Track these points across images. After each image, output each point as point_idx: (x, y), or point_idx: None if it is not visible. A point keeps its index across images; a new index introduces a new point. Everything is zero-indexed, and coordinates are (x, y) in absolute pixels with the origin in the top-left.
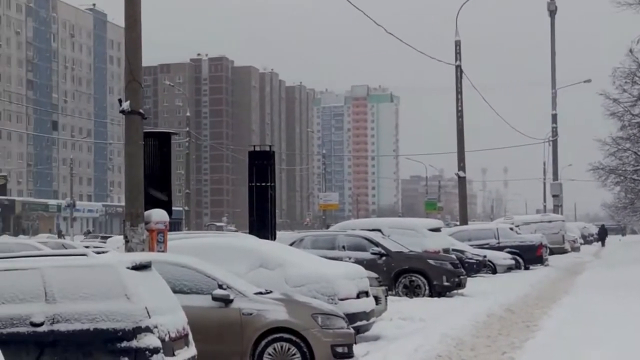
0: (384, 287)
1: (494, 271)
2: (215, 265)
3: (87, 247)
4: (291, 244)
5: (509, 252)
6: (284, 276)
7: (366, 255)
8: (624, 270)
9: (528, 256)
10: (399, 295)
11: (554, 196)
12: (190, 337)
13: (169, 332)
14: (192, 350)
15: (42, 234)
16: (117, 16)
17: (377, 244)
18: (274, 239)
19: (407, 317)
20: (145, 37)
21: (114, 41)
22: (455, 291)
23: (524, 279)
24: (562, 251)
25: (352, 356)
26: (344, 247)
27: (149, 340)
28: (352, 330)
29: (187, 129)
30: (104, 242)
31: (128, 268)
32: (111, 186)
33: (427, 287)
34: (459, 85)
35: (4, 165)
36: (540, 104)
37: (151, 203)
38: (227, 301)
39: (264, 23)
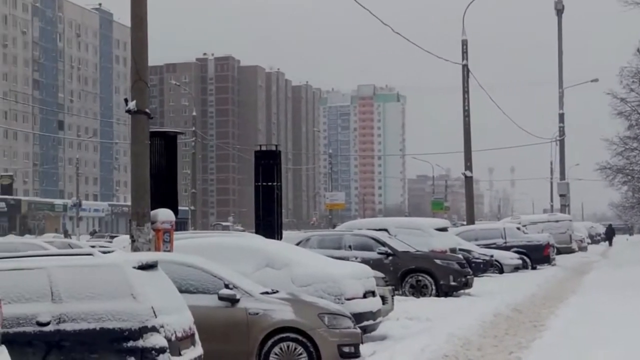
0: (390, 287)
1: (501, 271)
2: (222, 265)
3: (93, 246)
4: (297, 244)
5: (516, 252)
6: (290, 276)
7: (373, 254)
8: (632, 269)
9: (535, 256)
10: (406, 295)
11: (561, 196)
12: (197, 336)
13: (175, 332)
14: (198, 349)
15: (48, 233)
16: (123, 16)
17: (383, 244)
18: (280, 238)
19: (413, 317)
20: (151, 36)
21: (120, 41)
22: (462, 291)
23: (531, 278)
24: (570, 251)
25: (358, 356)
26: (350, 246)
27: (156, 340)
28: (358, 330)
29: (193, 128)
30: (111, 242)
31: (134, 268)
32: (117, 186)
33: (433, 287)
34: (465, 85)
35: (10, 165)
36: (547, 103)
37: (157, 202)
38: (233, 301)
39: (269, 23)
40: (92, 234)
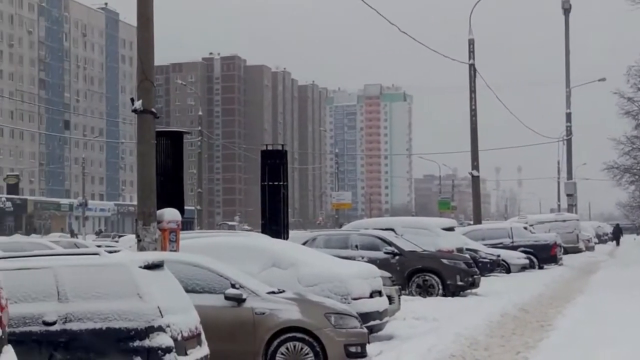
0: (397, 287)
1: (508, 270)
2: (228, 265)
3: (99, 246)
4: (304, 243)
5: (523, 252)
6: (296, 275)
7: (379, 254)
8: (639, 269)
9: (542, 255)
10: (413, 295)
11: (568, 195)
12: (203, 336)
13: (181, 332)
14: (204, 349)
15: (54, 233)
16: (129, 15)
17: (390, 243)
18: (287, 238)
19: (420, 317)
20: (157, 36)
21: (126, 40)
22: (469, 291)
23: (538, 278)
24: (577, 250)
25: (365, 356)
26: (357, 246)
27: (162, 340)
28: (365, 330)
29: (199, 128)
30: (117, 242)
31: (140, 267)
32: (123, 185)
33: (440, 287)
34: (472, 84)
35: (16, 165)
36: (555, 102)
37: (163, 202)
38: (239, 300)
39: (275, 23)
40: (98, 233)
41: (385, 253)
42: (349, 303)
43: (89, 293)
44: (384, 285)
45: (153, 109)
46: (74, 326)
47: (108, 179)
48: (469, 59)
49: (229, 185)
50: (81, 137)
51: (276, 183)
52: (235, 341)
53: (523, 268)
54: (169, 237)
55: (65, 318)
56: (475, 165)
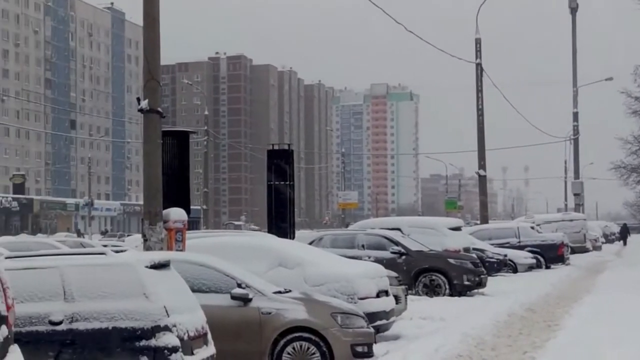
0: (403, 286)
1: (515, 270)
2: (234, 264)
3: (105, 245)
4: (310, 243)
5: (529, 251)
6: (303, 275)
7: (386, 254)
8: None
9: (549, 255)
10: (419, 295)
11: (575, 195)
12: (209, 336)
13: (187, 331)
14: (211, 349)
15: (60, 232)
16: (135, 15)
17: (396, 243)
18: (293, 237)
19: (427, 317)
20: (163, 36)
21: (132, 40)
22: (475, 290)
23: (545, 278)
24: (584, 250)
25: (371, 355)
26: (363, 246)
27: (168, 339)
28: (371, 330)
29: (206, 127)
30: (122, 241)
31: (147, 267)
32: (129, 185)
33: (447, 286)
34: (479, 84)
35: (22, 164)
36: (562, 102)
37: (169, 201)
38: (246, 300)
39: (281, 22)
40: (104, 233)
41: (392, 253)
42: (355, 303)
43: (95, 293)
44: (390, 285)
45: (159, 109)
46: (80, 326)
47: (114, 178)
48: (476, 58)
49: (235, 185)
50: (87, 136)
51: (282, 183)
52: (241, 341)
53: (530, 268)
54: (175, 237)
55: (72, 318)
56: (482, 164)
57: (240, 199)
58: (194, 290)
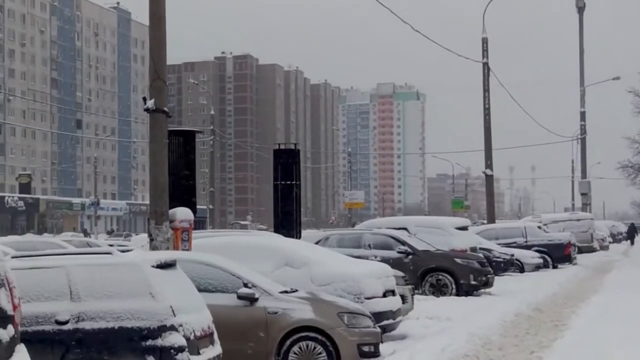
0: (410, 286)
1: (522, 270)
2: (240, 264)
3: (111, 245)
4: (316, 243)
5: (537, 251)
6: (309, 275)
7: (392, 253)
8: None
9: (556, 255)
10: (426, 294)
11: (582, 194)
12: (216, 335)
13: (194, 331)
14: (217, 349)
15: (66, 232)
16: (141, 14)
17: (403, 243)
18: (299, 237)
19: (433, 316)
20: (169, 35)
21: (137, 39)
22: (482, 290)
23: (552, 277)
24: (591, 250)
25: (378, 355)
26: (369, 245)
27: (174, 339)
28: (378, 329)
29: (212, 127)
30: (128, 241)
31: (153, 266)
32: (135, 184)
33: (454, 286)
34: (486, 83)
35: (29, 164)
36: (569, 101)
37: (175, 201)
38: (252, 300)
39: (287, 21)
40: (110, 233)
41: (399, 252)
42: (362, 302)
43: (101, 292)
44: (397, 284)
45: (165, 108)
46: (86, 325)
47: (120, 178)
48: (483, 57)
49: (241, 185)
50: (93, 136)
51: (289, 182)
52: (247, 340)
53: (537, 267)
54: (181, 237)
55: (78, 317)
56: (488, 164)
57: (246, 199)
58: (200, 290)
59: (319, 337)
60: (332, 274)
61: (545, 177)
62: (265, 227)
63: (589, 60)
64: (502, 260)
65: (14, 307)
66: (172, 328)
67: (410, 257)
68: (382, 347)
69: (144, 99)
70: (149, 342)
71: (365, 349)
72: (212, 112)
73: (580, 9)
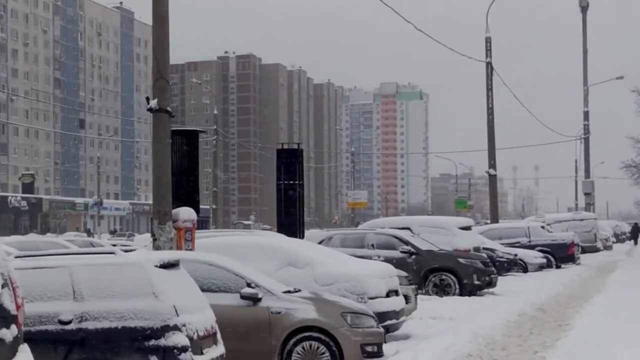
0: (413, 286)
1: (525, 270)
2: (244, 264)
3: (114, 245)
4: (320, 243)
5: (540, 251)
6: (312, 275)
7: (396, 253)
8: None
9: (560, 255)
10: (429, 294)
11: (585, 194)
12: (219, 335)
13: (197, 331)
14: (220, 348)
15: (69, 232)
16: (144, 14)
17: (406, 243)
18: (302, 237)
19: (437, 316)
20: (172, 35)
21: (141, 39)
22: (485, 290)
23: (555, 277)
24: (594, 250)
25: (381, 355)
26: (373, 245)
27: (177, 339)
28: (381, 329)
29: (215, 127)
30: (131, 241)
31: (156, 266)
32: (138, 184)
33: (457, 286)
34: (489, 83)
35: (32, 164)
36: (572, 101)
37: (179, 201)
38: (255, 300)
39: (290, 21)
40: (113, 232)
41: (402, 252)
42: (365, 302)
43: (104, 292)
44: (400, 284)
45: (168, 108)
46: (89, 325)
47: (123, 178)
48: (486, 57)
49: (244, 184)
50: (96, 136)
51: (292, 182)
52: (251, 340)
53: (540, 267)
54: (185, 236)
55: (81, 317)
56: (492, 163)
57: (249, 199)
58: (203, 290)
59: (322, 337)
60: (336, 274)
61: (549, 177)
62: (270, 227)
63: (593, 60)
64: (505, 260)
65: (17, 307)
66: (175, 328)
67: (413, 257)
68: (386, 347)
69: (147, 99)
70: (152, 342)
71: (369, 349)
72: (215, 112)
73: (584, 9)
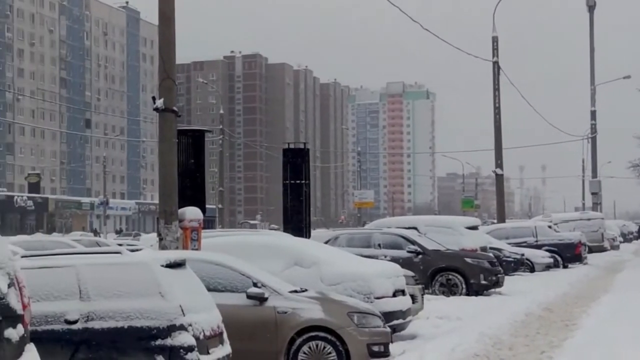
0: (420, 286)
1: (532, 270)
2: (250, 263)
3: (120, 244)
4: (326, 242)
5: (547, 251)
6: (319, 274)
7: (402, 253)
8: None
9: (567, 254)
10: (436, 294)
11: (592, 194)
12: (225, 335)
13: (203, 330)
14: (226, 348)
15: (75, 231)
16: (150, 14)
17: (413, 242)
18: (309, 237)
19: (443, 316)
20: (178, 34)
21: (147, 39)
22: (492, 290)
23: (562, 277)
24: (602, 249)
25: (388, 355)
26: (379, 245)
27: (184, 339)
28: (388, 329)
29: (221, 126)
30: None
31: (162, 266)
32: (144, 184)
33: (464, 286)
34: (496, 82)
35: (38, 163)
36: (579, 100)
37: (185, 200)
38: (261, 299)
39: (296, 20)
40: (118, 232)
41: (408, 252)
42: (372, 302)
43: (110, 292)
44: (407, 284)
45: (174, 108)
46: (95, 325)
47: (129, 177)
48: (493, 56)
49: (250, 184)
50: (102, 135)
51: (298, 181)
52: (257, 340)
53: (547, 267)
54: (191, 236)
55: (87, 317)
56: (499, 163)
57: (255, 198)
58: (209, 290)
59: (329, 336)
60: (342, 274)
61: (556, 177)
62: (278, 227)
63: (599, 59)
64: (512, 259)
65: (24, 307)
66: (182, 327)
67: (420, 256)
68: (392, 347)
69: (153, 99)
70: (159, 342)
71: (375, 348)
72: (221, 112)
73: (591, 8)
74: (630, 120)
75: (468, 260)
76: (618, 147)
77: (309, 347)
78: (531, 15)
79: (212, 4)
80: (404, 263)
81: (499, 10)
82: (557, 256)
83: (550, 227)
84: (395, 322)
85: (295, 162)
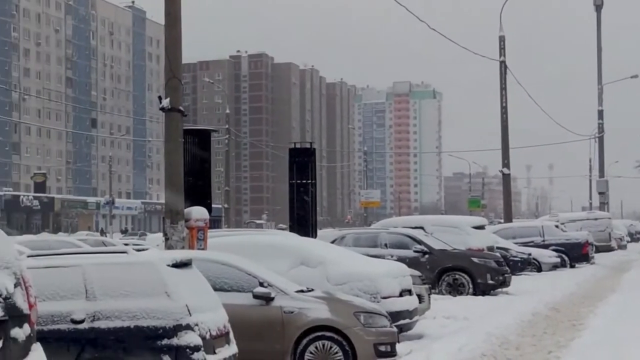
0: (427, 285)
1: (539, 269)
2: (256, 263)
3: (126, 244)
4: (332, 242)
5: (554, 250)
6: (325, 274)
7: (409, 253)
8: None
9: (574, 254)
10: (443, 294)
11: (600, 193)
12: (231, 335)
13: (209, 330)
14: (233, 348)
15: (81, 231)
16: (156, 13)
17: (419, 242)
18: (315, 236)
19: (450, 316)
20: (184, 34)
21: (152, 38)
22: (499, 289)
23: (569, 277)
24: (609, 249)
25: (394, 355)
26: (386, 244)
27: (190, 338)
28: (394, 329)
29: (227, 126)
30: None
31: (168, 265)
32: (150, 184)
33: (471, 286)
34: (503, 81)
35: (44, 163)
36: (586, 100)
37: (191, 200)
38: (268, 299)
39: (303, 20)
40: (124, 232)
41: (415, 251)
42: (378, 302)
43: (117, 291)
44: (413, 284)
45: (180, 107)
46: (102, 324)
47: (135, 177)
48: (500, 55)
49: (256, 184)
50: (108, 135)
51: (304, 181)
52: (263, 340)
53: (554, 267)
54: (197, 236)
55: (93, 316)
56: (505, 163)
57: (261, 198)
58: (216, 289)
59: (335, 336)
60: (349, 273)
61: (563, 176)
62: (285, 227)
63: (606, 59)
64: (519, 259)
65: (30, 306)
66: (188, 327)
67: (427, 256)
68: (399, 347)
69: (159, 98)
70: (165, 341)
71: (382, 348)
72: (228, 111)
73: (598, 7)
74: (637, 120)
75: (475, 260)
76: (625, 146)
77: (316, 347)
78: (537, 15)
79: (218, 4)
80: (411, 263)
81: (505, 10)
82: (564, 256)
83: (557, 226)
84: (402, 321)
85: (302, 161)
